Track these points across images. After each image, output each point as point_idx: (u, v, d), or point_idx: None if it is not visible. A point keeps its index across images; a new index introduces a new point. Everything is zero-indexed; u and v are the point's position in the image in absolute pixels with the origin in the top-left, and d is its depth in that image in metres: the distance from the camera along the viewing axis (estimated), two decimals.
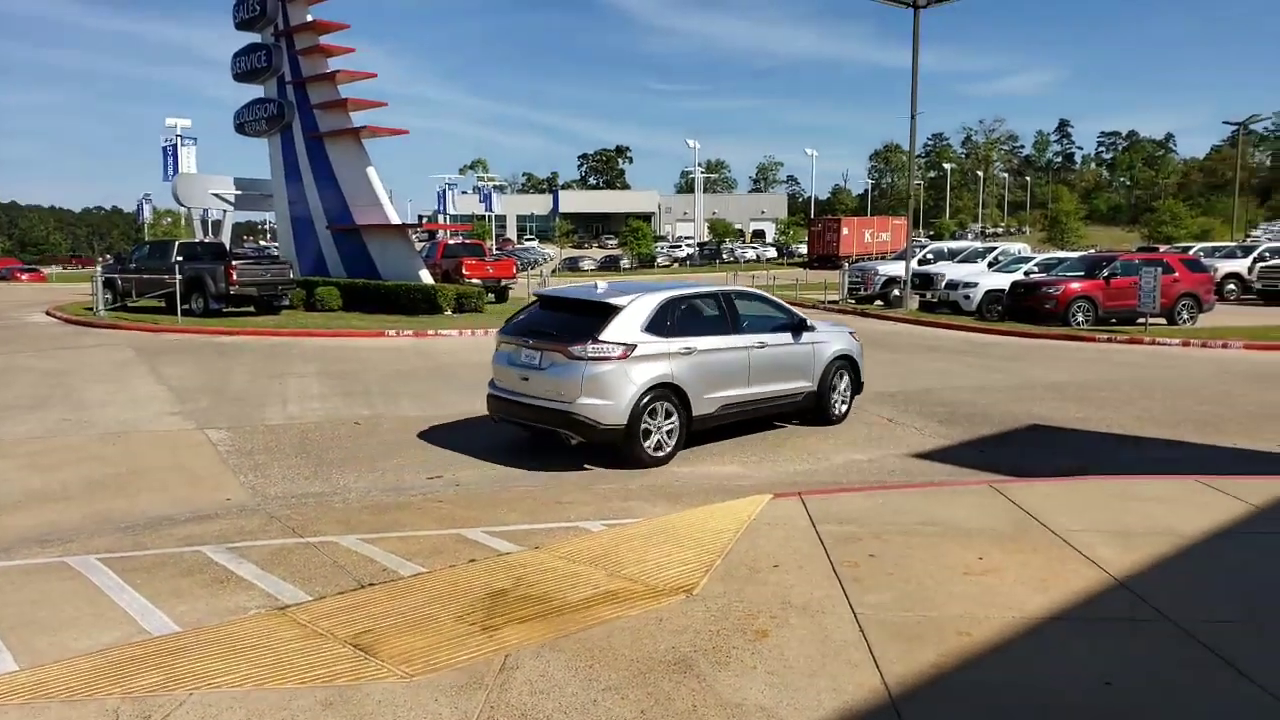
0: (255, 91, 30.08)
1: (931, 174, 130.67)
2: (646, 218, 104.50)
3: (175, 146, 38.59)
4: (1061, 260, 26.37)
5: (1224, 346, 18.64)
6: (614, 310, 9.06)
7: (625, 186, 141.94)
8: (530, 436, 10.13)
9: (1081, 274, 22.98)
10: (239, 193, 32.10)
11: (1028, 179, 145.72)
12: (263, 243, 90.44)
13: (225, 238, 33.86)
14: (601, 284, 10.19)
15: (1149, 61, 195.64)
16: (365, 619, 5.11)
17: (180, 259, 24.56)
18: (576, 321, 9.15)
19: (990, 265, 28.28)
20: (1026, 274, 25.18)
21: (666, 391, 9.12)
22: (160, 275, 24.38)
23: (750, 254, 79.53)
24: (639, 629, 4.89)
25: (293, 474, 9.00)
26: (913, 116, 28.94)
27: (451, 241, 36.47)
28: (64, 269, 79.46)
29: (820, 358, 10.88)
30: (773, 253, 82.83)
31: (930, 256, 32.73)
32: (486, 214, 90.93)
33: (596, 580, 5.64)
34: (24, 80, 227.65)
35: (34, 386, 14.01)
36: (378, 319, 23.88)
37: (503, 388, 9.62)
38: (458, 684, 4.30)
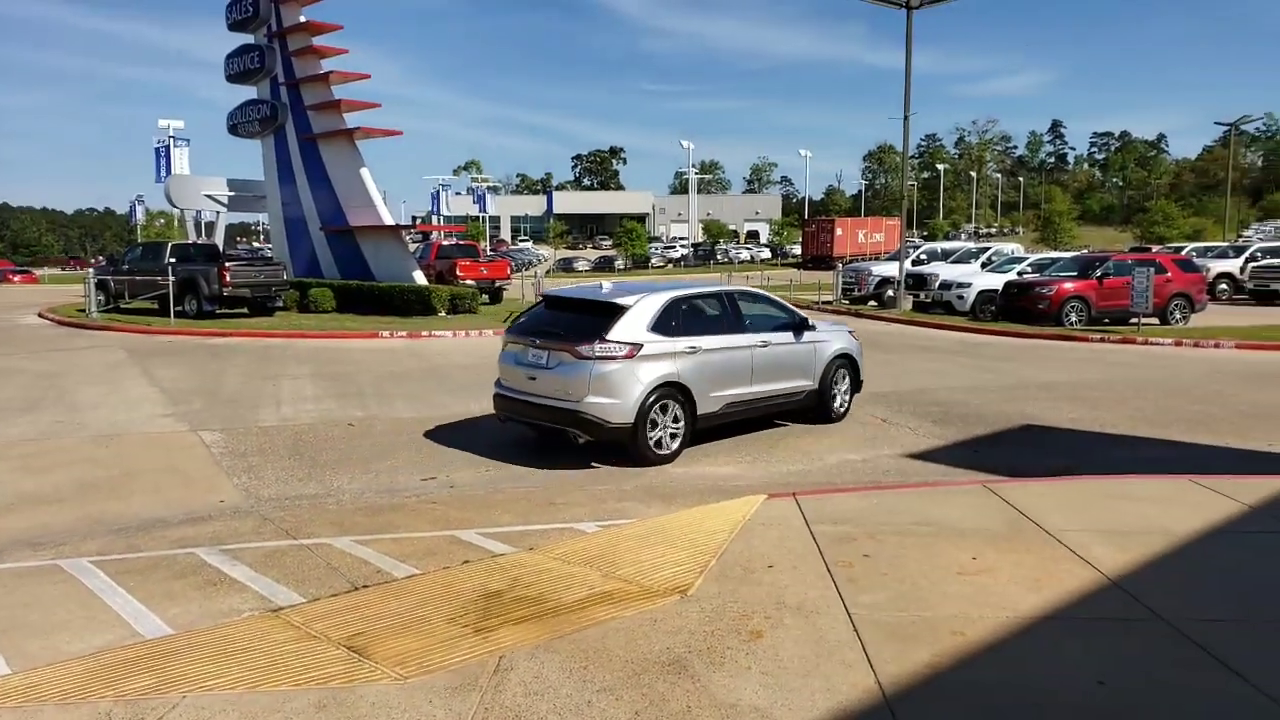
0: (248, 93, 30.03)
1: (925, 175, 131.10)
2: (641, 219, 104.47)
3: (168, 148, 38.44)
4: (1054, 260, 26.43)
5: (1216, 346, 18.70)
6: (620, 310, 9.14)
7: (619, 187, 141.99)
8: (536, 436, 10.21)
9: (1074, 274, 23.04)
10: (232, 194, 32.05)
11: (1021, 179, 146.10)
12: (256, 244, 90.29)
13: (219, 239, 33.79)
14: (607, 284, 10.28)
15: (1141, 62, 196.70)
16: (359, 621, 5.10)
17: (173, 260, 24.51)
18: (583, 321, 9.23)
19: (984, 266, 28.36)
20: (1020, 274, 25.25)
21: (672, 390, 9.21)
22: (153, 277, 24.33)
23: (744, 255, 79.57)
24: (633, 630, 4.89)
25: (286, 476, 8.97)
26: (906, 117, 29.01)
27: (445, 243, 36.40)
28: (64, 270, 79.18)
29: (821, 357, 10.98)
30: (767, 253, 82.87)
31: (924, 257, 32.79)
32: (481, 215, 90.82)
33: (591, 581, 5.64)
34: (15, 81, 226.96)
35: (26, 388, 13.96)
36: (371, 320, 23.84)
37: (510, 387, 9.67)
38: (452, 685, 4.30)
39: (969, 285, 25.23)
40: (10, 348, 19.17)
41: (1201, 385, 14.03)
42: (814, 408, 11.03)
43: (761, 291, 11.84)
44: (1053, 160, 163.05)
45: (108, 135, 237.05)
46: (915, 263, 30.77)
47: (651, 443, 9.11)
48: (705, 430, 9.84)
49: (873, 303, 29.45)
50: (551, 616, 5.09)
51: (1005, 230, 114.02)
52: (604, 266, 67.19)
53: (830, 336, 11.23)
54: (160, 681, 4.38)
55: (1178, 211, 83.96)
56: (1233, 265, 33.36)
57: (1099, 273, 22.42)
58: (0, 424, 11.32)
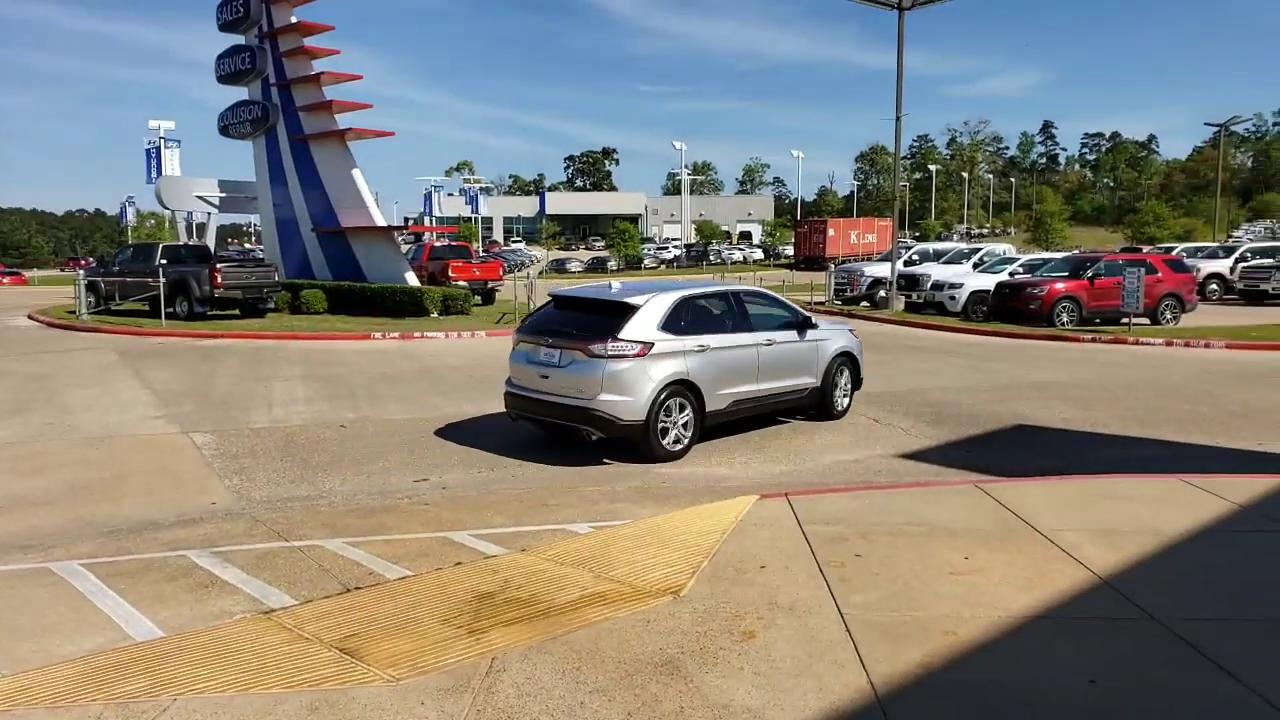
0: (239, 94, 29.93)
1: (917, 175, 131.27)
2: (633, 219, 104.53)
3: (159, 149, 38.33)
4: (1046, 261, 26.53)
5: (1206, 346, 18.79)
6: (631, 309, 9.26)
7: (612, 188, 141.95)
8: (538, 436, 10.31)
9: (1066, 274, 23.13)
10: (223, 195, 31.91)
11: (1012, 180, 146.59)
12: (248, 245, 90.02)
13: (210, 240, 33.65)
14: (616, 284, 10.40)
15: (1132, 64, 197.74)
16: (351, 623, 5.09)
17: (164, 262, 24.40)
18: (595, 321, 9.34)
19: (975, 266, 28.44)
20: (1011, 275, 25.32)
21: (682, 388, 9.36)
22: (144, 278, 24.22)
23: (737, 255, 79.66)
24: (626, 631, 4.89)
25: (278, 477, 8.95)
26: (898, 118, 29.06)
27: (438, 244, 36.29)
28: (62, 271, 78.74)
29: (824, 354, 11.15)
30: (759, 254, 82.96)
31: (916, 257, 32.86)
32: (473, 216, 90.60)
33: (583, 582, 5.63)
34: (5, 82, 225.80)
35: (16, 390, 13.89)
36: (363, 321, 23.79)
37: (522, 385, 9.74)
38: (444, 687, 4.29)
39: (961, 286, 25.29)
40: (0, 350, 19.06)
41: (1192, 385, 14.09)
42: (816, 405, 11.22)
43: (767, 291, 12.04)
44: (1044, 161, 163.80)
45: (98, 136, 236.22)
46: (907, 263, 30.84)
47: (662, 440, 9.25)
48: (711, 427, 9.97)
49: (865, 303, 29.50)
50: (544, 618, 5.09)
51: (997, 231, 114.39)
52: (597, 267, 67.22)
53: (832, 335, 11.42)
54: (151, 684, 4.36)
55: (1168, 212, 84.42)
56: (1223, 266, 33.57)
57: (1090, 273, 22.51)
58: None
